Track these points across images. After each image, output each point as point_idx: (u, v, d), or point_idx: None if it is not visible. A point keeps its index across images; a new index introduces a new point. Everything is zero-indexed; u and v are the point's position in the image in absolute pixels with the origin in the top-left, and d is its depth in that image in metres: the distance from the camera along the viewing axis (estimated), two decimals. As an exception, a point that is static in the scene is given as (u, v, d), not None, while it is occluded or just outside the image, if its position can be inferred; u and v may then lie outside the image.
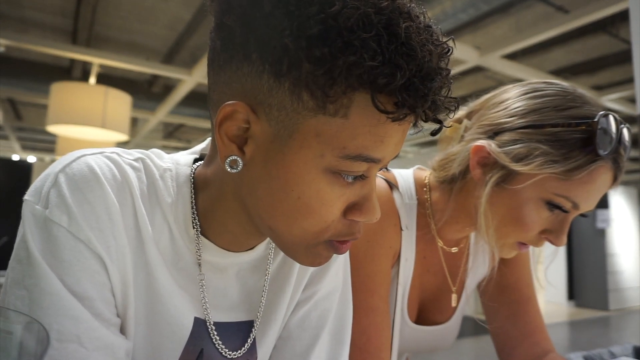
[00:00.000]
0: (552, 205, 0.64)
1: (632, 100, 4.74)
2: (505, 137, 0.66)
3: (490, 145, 0.66)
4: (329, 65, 0.38)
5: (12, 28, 3.64)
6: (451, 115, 0.45)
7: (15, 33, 3.51)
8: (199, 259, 0.52)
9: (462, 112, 0.78)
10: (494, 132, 0.68)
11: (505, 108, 0.68)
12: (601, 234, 8.29)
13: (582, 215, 0.68)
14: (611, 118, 0.62)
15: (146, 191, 0.50)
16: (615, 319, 7.47)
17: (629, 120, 4.83)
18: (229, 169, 0.44)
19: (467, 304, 0.89)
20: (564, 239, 0.67)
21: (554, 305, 8.55)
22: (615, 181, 0.65)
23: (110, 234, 0.46)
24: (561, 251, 8.49)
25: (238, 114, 0.43)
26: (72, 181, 0.45)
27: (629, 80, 4.33)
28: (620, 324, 7.18)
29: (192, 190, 0.52)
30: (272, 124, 0.42)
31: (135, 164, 0.50)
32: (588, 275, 8.42)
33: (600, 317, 7.57)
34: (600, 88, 4.65)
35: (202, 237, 0.52)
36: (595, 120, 0.61)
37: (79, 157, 0.47)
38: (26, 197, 0.45)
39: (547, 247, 0.73)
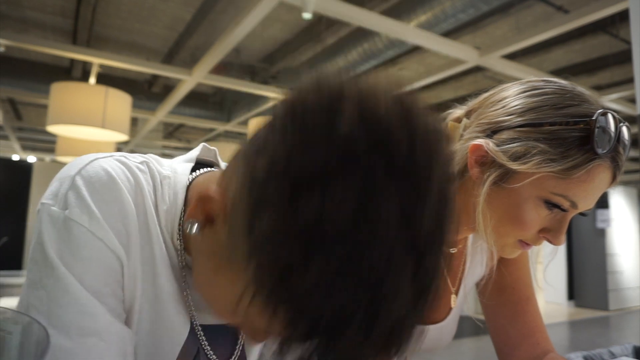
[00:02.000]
0: (551, 204, 0.64)
1: (632, 100, 4.74)
2: (503, 135, 0.65)
3: (487, 143, 0.66)
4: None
5: (12, 28, 3.65)
6: None
7: (15, 33, 3.52)
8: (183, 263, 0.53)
9: (461, 110, 0.77)
10: (492, 131, 0.67)
11: (504, 106, 0.68)
12: (601, 234, 8.29)
13: (582, 214, 0.68)
14: (610, 116, 0.62)
15: (152, 193, 0.52)
16: (615, 319, 7.47)
17: (629, 120, 4.83)
18: None
19: (464, 303, 0.89)
20: (563, 238, 0.66)
21: (554, 305, 8.55)
22: (614, 180, 0.64)
23: (127, 234, 0.47)
24: (561, 251, 8.49)
25: None
26: (89, 183, 0.46)
27: (629, 80, 4.33)
28: (620, 324, 7.18)
29: (184, 199, 0.53)
30: None
31: (141, 167, 0.52)
32: (588, 275, 8.42)
33: (600, 317, 7.57)
34: (600, 88, 4.66)
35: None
36: (594, 118, 0.60)
37: (92, 161, 0.48)
38: (43, 200, 0.47)
39: (546, 247, 0.72)
